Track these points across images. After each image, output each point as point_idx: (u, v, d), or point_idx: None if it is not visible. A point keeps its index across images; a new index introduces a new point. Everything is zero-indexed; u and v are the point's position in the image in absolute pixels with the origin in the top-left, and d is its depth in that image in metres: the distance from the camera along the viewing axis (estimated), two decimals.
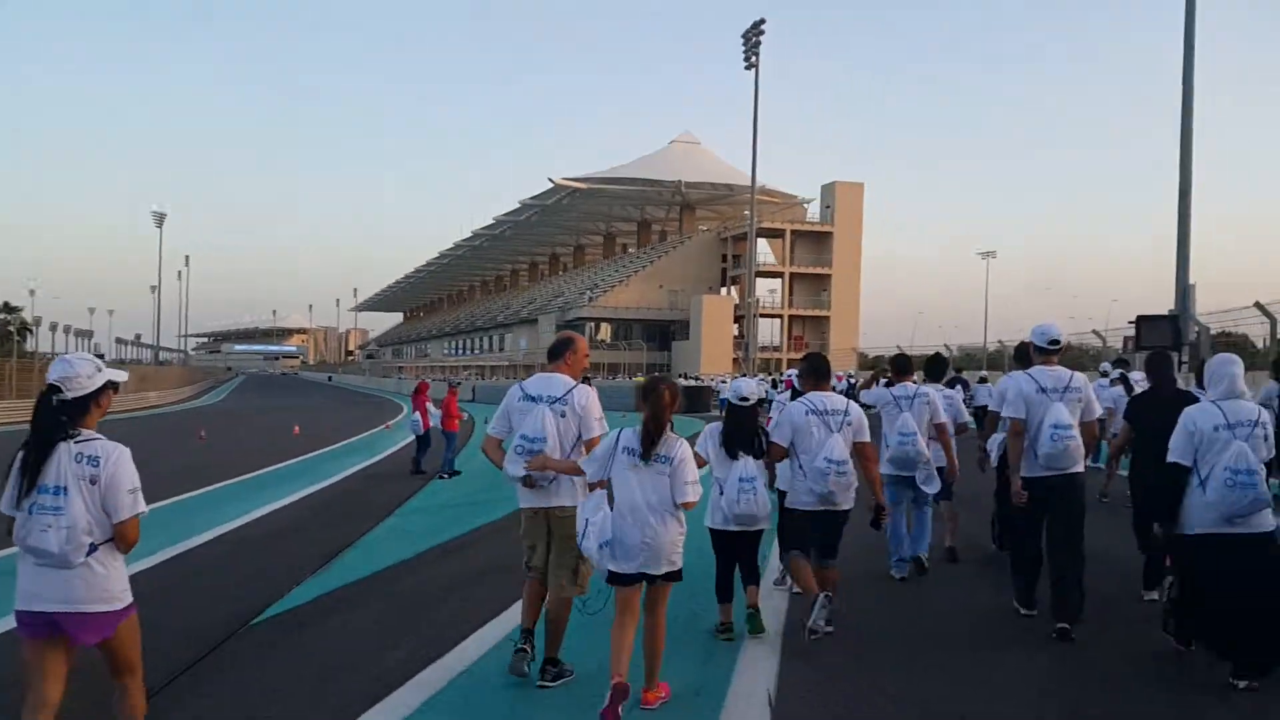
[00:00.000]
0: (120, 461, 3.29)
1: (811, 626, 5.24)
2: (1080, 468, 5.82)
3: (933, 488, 7.29)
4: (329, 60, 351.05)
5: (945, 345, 30.85)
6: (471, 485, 14.04)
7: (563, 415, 4.77)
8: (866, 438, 5.67)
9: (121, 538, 3.30)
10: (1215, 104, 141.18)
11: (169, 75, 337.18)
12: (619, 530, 4.29)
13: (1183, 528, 5.01)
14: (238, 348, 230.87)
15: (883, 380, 8.74)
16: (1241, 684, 4.72)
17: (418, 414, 15.87)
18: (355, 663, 5.27)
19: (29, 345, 65.29)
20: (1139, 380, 11.19)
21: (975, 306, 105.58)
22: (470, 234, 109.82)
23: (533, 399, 4.81)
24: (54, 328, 68.93)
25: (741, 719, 4.43)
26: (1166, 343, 14.53)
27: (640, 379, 57.36)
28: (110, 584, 3.29)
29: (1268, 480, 4.89)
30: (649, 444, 4.35)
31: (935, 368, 8.69)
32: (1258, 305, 16.87)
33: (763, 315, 68.75)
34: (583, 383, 5.06)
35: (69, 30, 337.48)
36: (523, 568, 4.95)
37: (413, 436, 16.46)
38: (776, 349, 76.17)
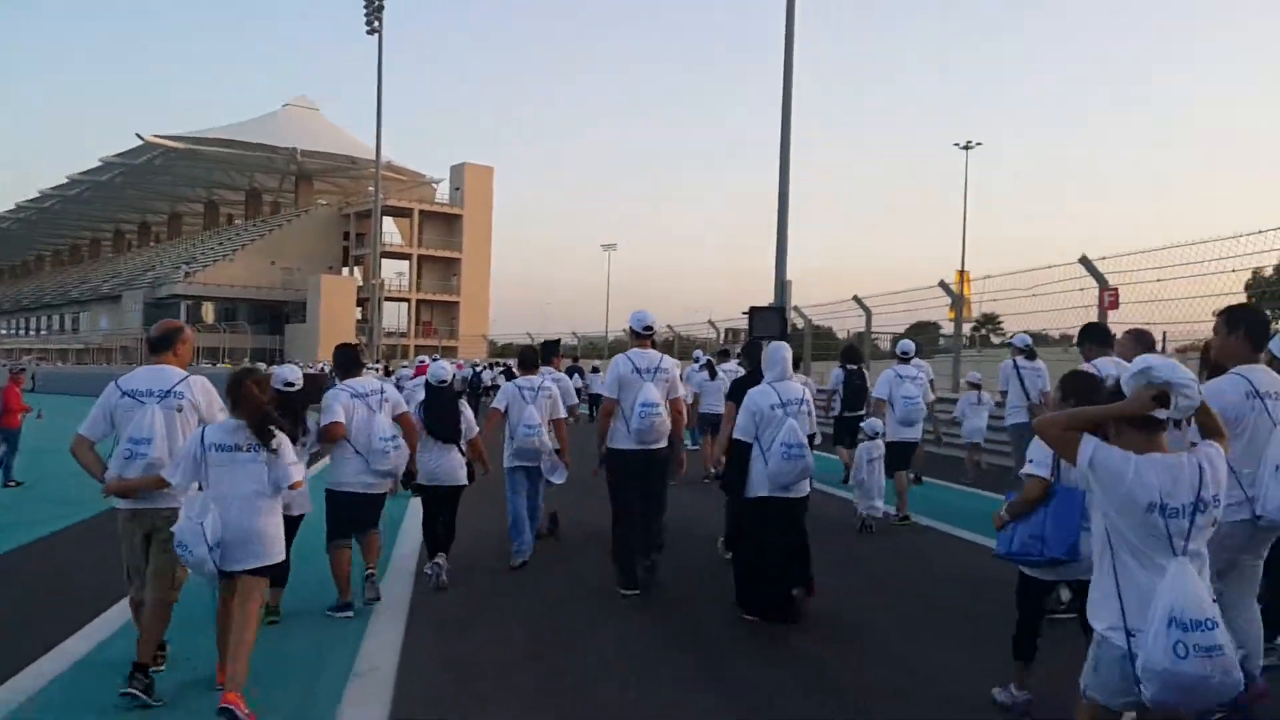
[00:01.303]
0: None
1: (370, 597, 5.89)
2: (664, 443, 6.43)
3: (559, 478, 7.45)
4: None
5: (573, 333, 31.23)
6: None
7: (178, 410, 4.57)
8: (405, 409, 6.26)
9: None
10: (820, 99, 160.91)
11: None
12: (224, 527, 4.20)
13: (747, 492, 5.66)
14: None
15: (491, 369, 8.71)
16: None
17: None
18: None
19: None
20: (727, 369, 12.52)
21: (600, 297, 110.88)
22: (38, 194, 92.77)
23: (138, 397, 4.54)
24: None
25: (365, 695, 4.51)
26: (774, 332, 15.48)
27: (227, 365, 52.15)
28: None
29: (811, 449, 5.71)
30: (266, 437, 4.34)
31: (547, 351, 8.98)
32: (855, 299, 18.19)
33: (389, 299, 65.75)
34: None
35: None
36: (125, 581, 4.62)
37: None
38: (404, 335, 73.47)
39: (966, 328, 21.46)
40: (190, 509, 4.23)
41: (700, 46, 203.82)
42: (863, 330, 18.42)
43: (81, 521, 8.77)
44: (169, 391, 4.57)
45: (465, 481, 6.80)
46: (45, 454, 12.70)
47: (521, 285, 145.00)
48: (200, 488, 4.33)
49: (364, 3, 42.86)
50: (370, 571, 6.02)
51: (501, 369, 29.19)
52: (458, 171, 77.64)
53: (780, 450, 5.44)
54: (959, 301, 15.06)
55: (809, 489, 5.74)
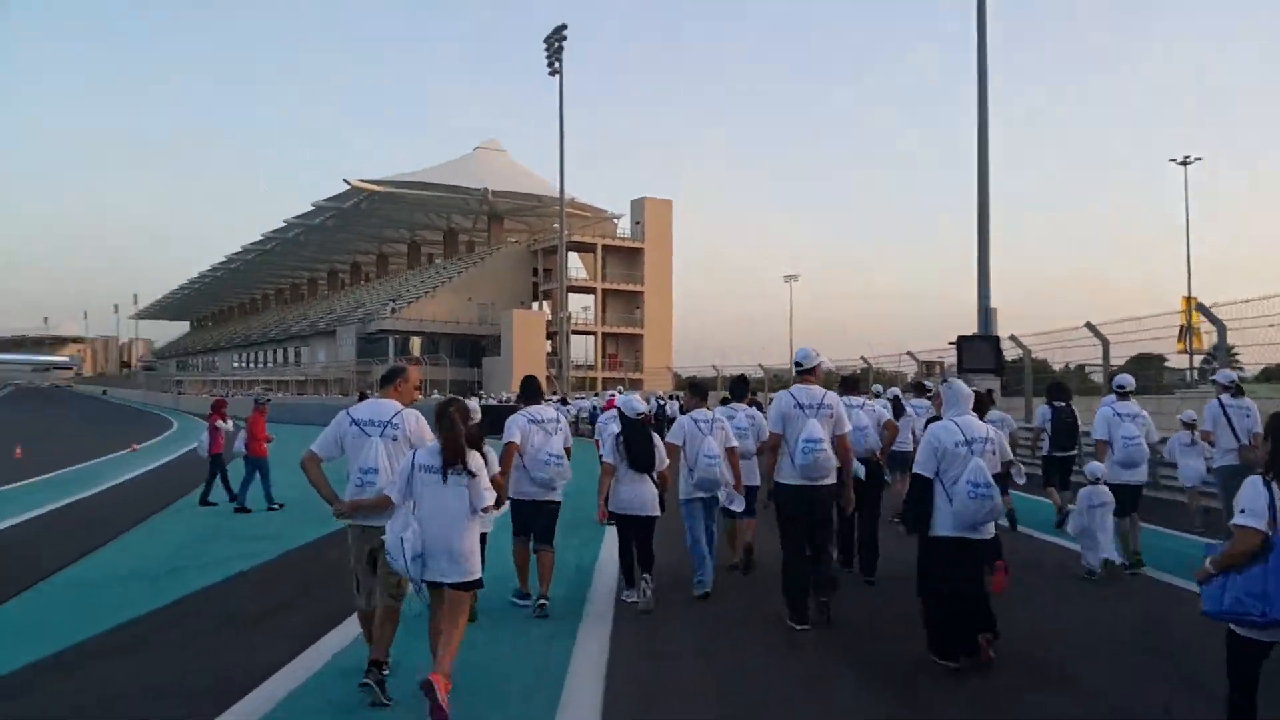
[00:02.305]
0: None
1: (539, 614, 6.71)
2: (831, 479, 6.50)
3: (738, 505, 7.70)
4: (102, 45, 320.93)
5: (760, 365, 30.92)
6: (198, 530, 11.64)
7: (394, 439, 5.10)
8: (571, 442, 7.24)
9: None
10: (1012, 124, 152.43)
11: None
12: (425, 541, 4.58)
13: (932, 530, 5.54)
14: (4, 357, 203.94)
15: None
16: (952, 665, 5.38)
17: (205, 435, 14.19)
18: None
19: None
20: (918, 406, 11.55)
21: (785, 327, 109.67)
22: (260, 237, 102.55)
23: (364, 427, 5.13)
24: None
25: (578, 698, 4.92)
26: (988, 364, 14.58)
27: (419, 397, 54.99)
28: None
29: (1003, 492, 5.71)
30: (449, 463, 4.69)
31: (738, 388, 9.20)
32: (1089, 326, 16.03)
33: (576, 332, 67.96)
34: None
35: None
36: (354, 591, 5.19)
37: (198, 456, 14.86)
38: (591, 367, 75.48)
39: (1196, 360, 19.53)
40: (394, 524, 4.67)
41: (886, 66, 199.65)
42: (1090, 362, 16.87)
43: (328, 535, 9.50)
44: (387, 423, 5.14)
45: (658, 512, 7.09)
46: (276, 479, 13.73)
47: (704, 316, 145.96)
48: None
49: (545, 46, 44.83)
50: (543, 599, 6.84)
51: (680, 402, 29.34)
52: (637, 206, 79.32)
53: (966, 489, 5.33)
54: (1221, 329, 13.46)
55: (995, 531, 5.67)
